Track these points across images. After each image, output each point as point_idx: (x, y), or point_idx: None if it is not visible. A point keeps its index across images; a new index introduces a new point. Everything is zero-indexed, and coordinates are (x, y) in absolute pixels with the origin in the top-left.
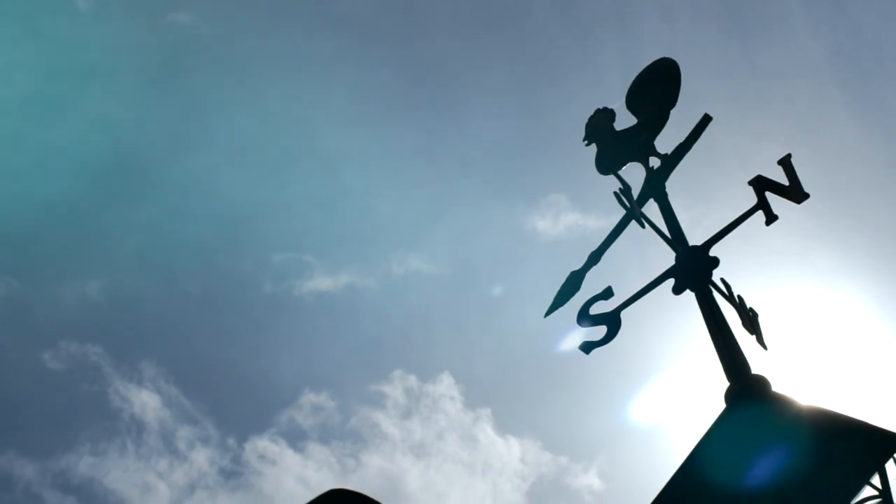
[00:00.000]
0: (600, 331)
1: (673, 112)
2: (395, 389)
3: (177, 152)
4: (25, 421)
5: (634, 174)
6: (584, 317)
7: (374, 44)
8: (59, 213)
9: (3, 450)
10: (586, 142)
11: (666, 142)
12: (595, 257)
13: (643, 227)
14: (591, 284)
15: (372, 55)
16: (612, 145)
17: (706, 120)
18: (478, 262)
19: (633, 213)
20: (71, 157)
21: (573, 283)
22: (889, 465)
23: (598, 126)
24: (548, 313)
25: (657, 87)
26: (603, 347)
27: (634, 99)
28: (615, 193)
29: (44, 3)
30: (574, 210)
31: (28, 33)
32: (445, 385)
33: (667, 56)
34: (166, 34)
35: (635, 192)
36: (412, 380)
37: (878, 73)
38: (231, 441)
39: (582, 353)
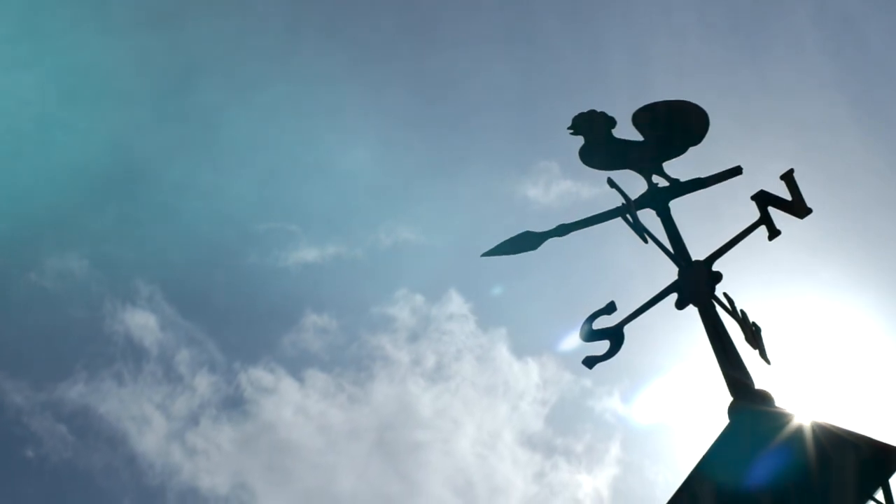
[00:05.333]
0: (603, 345)
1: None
2: (401, 311)
3: (163, 140)
4: (10, 341)
5: (627, 180)
6: (587, 332)
7: (363, 17)
8: (50, 198)
9: None
10: (571, 131)
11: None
12: (562, 230)
13: (646, 242)
14: (594, 299)
15: (361, 26)
16: (605, 146)
17: (736, 171)
18: (469, 230)
19: (637, 228)
20: (64, 149)
21: (527, 240)
22: (893, 479)
23: (592, 122)
24: (486, 254)
25: (682, 125)
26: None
27: (648, 120)
28: (623, 218)
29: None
30: (566, 177)
31: (25, 32)
32: (455, 304)
33: (685, 92)
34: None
35: (632, 198)
36: (419, 299)
37: (883, 88)
38: (234, 366)
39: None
